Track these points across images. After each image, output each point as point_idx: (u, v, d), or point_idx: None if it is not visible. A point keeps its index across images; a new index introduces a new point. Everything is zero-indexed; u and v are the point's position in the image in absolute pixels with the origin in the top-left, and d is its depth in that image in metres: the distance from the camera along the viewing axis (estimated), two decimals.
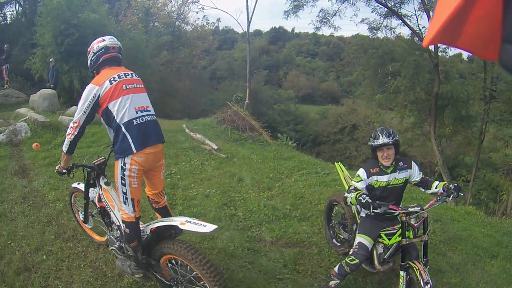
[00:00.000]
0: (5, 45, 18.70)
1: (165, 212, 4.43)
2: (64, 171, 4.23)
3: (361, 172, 4.38)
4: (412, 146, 21.95)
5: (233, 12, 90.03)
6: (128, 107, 3.66)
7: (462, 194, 4.22)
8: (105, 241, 4.98)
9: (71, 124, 3.85)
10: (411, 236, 4.12)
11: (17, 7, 34.55)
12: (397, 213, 4.11)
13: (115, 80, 3.72)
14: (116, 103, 3.64)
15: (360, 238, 4.33)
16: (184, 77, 29.67)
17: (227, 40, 68.98)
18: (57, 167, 4.33)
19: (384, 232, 4.34)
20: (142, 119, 3.74)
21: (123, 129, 3.62)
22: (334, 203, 5.70)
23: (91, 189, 4.66)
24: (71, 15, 17.63)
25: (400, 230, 4.16)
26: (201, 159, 9.66)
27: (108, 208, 4.33)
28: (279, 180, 8.72)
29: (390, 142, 4.14)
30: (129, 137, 3.61)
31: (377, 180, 4.32)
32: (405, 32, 68.45)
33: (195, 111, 25.91)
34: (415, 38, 18.93)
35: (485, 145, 19.33)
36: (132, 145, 3.59)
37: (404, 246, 4.16)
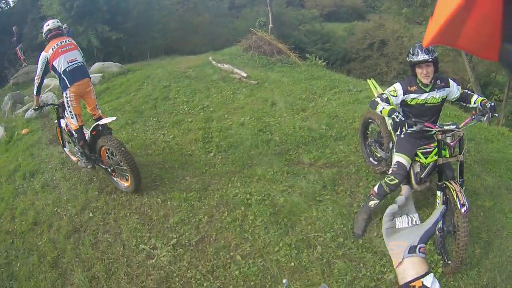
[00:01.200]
0: (13, 28, 18.65)
1: (100, 120, 5.88)
2: (37, 107, 6.26)
3: (398, 86, 4.26)
4: (443, 61, 21.15)
5: None
6: (63, 62, 5.68)
7: (496, 115, 4.15)
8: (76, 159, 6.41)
9: (35, 77, 5.90)
10: (447, 155, 4.04)
11: None
12: (433, 131, 4.04)
13: (55, 48, 5.70)
14: (57, 61, 5.67)
15: (398, 157, 4.26)
16: (202, 11, 29.05)
17: None
18: (33, 107, 6.58)
19: (420, 151, 4.28)
20: (72, 66, 5.74)
21: (62, 74, 5.68)
22: (370, 120, 5.53)
23: (61, 120, 6.33)
24: None
25: (437, 148, 4.06)
26: (232, 89, 9.57)
27: (70, 128, 6.08)
28: (312, 100, 8.56)
29: (430, 59, 3.96)
30: (65, 79, 5.68)
31: (413, 98, 4.22)
32: None
33: (219, 42, 25.20)
34: None
35: None
36: (67, 82, 5.67)
37: (441, 166, 4.09)
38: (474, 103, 4.21)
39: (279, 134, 6.88)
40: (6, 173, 7.52)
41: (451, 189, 3.82)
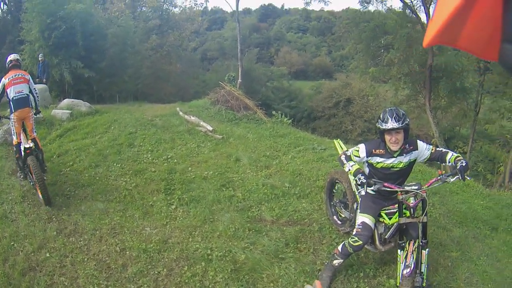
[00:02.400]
0: None
1: (35, 142, 7.14)
2: None
3: (362, 148, 4.31)
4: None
5: None
6: (12, 91, 7.00)
7: (468, 178, 4.16)
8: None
9: None
10: (408, 215, 4.07)
11: (1, 5, 34.17)
12: (394, 191, 4.08)
13: (10, 78, 7.07)
14: (9, 89, 7.01)
15: (362, 218, 4.28)
16: (174, 60, 29.34)
17: (216, 20, 68.37)
18: None
19: (384, 211, 4.33)
20: (18, 97, 7.03)
21: (10, 101, 7.03)
22: (336, 181, 5.65)
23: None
24: (56, 8, 17.37)
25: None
26: (197, 142, 9.64)
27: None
28: (276, 158, 8.72)
29: (400, 127, 3.93)
30: (12, 105, 7.02)
31: (379, 162, 4.23)
32: (396, 4, 67.99)
33: (188, 93, 25.81)
34: (406, 11, 18.61)
35: (480, 116, 19.17)
36: (13, 108, 7.00)
37: (403, 226, 4.14)
38: (449, 162, 4.17)
39: (242, 190, 6.95)
40: None
41: (405, 249, 3.97)
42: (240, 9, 22.91)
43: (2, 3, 32.94)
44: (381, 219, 4.35)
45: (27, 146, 6.82)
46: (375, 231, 4.38)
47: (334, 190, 5.86)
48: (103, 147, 9.16)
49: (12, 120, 7.10)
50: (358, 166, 4.19)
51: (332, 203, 5.85)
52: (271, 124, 12.04)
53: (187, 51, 33.33)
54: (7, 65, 7.41)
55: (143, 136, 9.80)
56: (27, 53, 18.33)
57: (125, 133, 10.04)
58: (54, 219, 6.21)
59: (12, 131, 7.29)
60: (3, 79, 7.13)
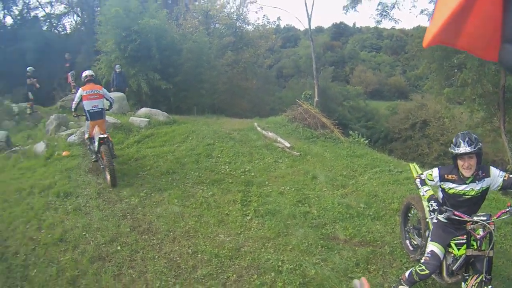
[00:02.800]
0: (65, 54, 19.73)
1: (107, 139, 8.22)
2: (75, 116, 9.26)
3: (435, 172, 4.21)
4: (483, 142, 20.57)
5: (292, 10, 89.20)
6: (88, 105, 8.45)
7: None
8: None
9: (73, 102, 8.88)
10: (475, 247, 3.86)
11: (75, 18, 36.58)
12: (464, 221, 3.88)
13: (88, 93, 8.46)
14: (85, 102, 8.46)
15: (432, 246, 4.13)
16: (250, 76, 29.53)
17: (290, 38, 68.69)
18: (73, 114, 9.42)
19: (454, 241, 4.14)
20: (93, 110, 8.48)
21: (86, 112, 8.51)
22: (411, 206, 5.43)
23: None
24: (130, 22, 18.12)
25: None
26: (274, 157, 9.65)
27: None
28: (352, 177, 8.57)
29: (473, 151, 3.78)
30: (88, 116, 8.52)
31: (451, 188, 4.07)
32: None
33: (264, 110, 25.78)
34: None
35: None
36: (89, 118, 8.53)
37: (471, 258, 3.91)
38: None
39: (317, 207, 6.86)
40: (40, 186, 7.87)
41: (467, 282, 3.76)
42: (312, 27, 22.87)
43: (75, 16, 35.33)
44: (450, 249, 4.16)
45: (101, 136, 8.06)
46: (444, 261, 4.19)
47: (409, 215, 5.63)
48: (181, 155, 9.47)
49: (87, 124, 8.70)
50: (432, 192, 4.15)
51: (406, 228, 5.63)
52: (348, 144, 11.87)
53: (263, 68, 33.56)
54: (83, 79, 8.88)
55: (221, 148, 9.98)
56: (103, 62, 19.32)
57: (203, 144, 10.29)
58: (128, 216, 6.47)
59: (86, 130, 8.97)
60: (80, 89, 8.61)
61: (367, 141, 12.67)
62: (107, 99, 8.80)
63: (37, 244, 5.78)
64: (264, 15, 49.68)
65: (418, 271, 4.02)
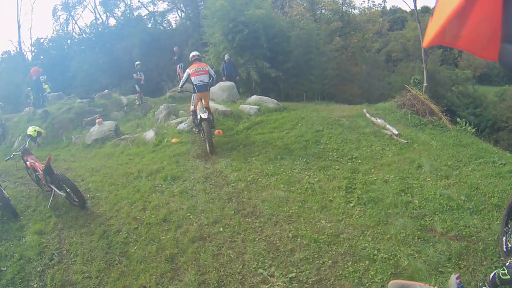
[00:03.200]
0: (174, 48, 20.69)
1: (208, 109, 9.78)
2: (179, 91, 11.24)
3: None
4: None
5: None
6: (196, 79, 9.62)
7: None
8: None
9: (181, 80, 10.44)
10: None
11: (179, 13, 38.61)
12: None
13: (194, 70, 9.64)
14: (193, 78, 9.62)
15: None
16: (359, 61, 29.05)
17: (396, 20, 65.78)
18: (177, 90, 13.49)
19: None
20: (200, 84, 9.65)
21: (194, 86, 9.72)
22: None
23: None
24: (236, 13, 18.70)
25: None
26: (381, 144, 9.50)
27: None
28: (456, 168, 8.10)
29: None
30: (195, 88, 9.71)
31: None
32: None
33: (374, 95, 25.16)
34: None
35: None
36: (196, 90, 9.72)
37: None
38: None
39: (419, 197, 6.65)
40: (148, 171, 8.48)
41: None
42: (418, 7, 21.84)
43: (179, 11, 37.24)
44: None
45: (203, 116, 9.31)
46: None
47: None
48: (289, 142, 9.62)
49: (194, 97, 9.99)
50: None
51: (506, 228, 5.27)
52: (455, 132, 11.20)
53: (371, 52, 32.66)
54: (190, 59, 10.18)
55: (330, 135, 9.99)
56: (212, 53, 20.39)
57: (312, 131, 10.37)
58: (234, 200, 6.74)
59: (192, 102, 10.14)
60: (188, 69, 9.86)
61: (474, 129, 11.96)
62: (211, 75, 9.92)
63: (140, 224, 6.27)
64: None
65: (500, 274, 3.78)
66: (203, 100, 9.94)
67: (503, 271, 3.77)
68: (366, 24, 29.63)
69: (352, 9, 30.28)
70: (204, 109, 9.76)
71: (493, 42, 1.06)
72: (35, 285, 5.33)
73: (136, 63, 18.69)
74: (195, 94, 9.93)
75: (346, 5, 29.49)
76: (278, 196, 6.72)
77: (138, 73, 18.27)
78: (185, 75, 9.96)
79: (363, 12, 30.69)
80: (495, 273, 3.92)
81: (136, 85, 18.54)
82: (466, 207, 6.28)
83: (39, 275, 5.50)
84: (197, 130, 10.51)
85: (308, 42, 21.04)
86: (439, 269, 4.79)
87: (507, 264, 3.87)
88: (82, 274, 5.34)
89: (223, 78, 17.01)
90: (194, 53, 10.37)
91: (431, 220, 5.94)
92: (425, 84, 17.14)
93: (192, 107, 10.22)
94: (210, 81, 10.03)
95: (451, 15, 1.00)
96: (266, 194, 6.85)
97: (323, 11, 29.23)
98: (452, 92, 31.50)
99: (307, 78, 20.70)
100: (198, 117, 9.59)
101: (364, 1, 68.37)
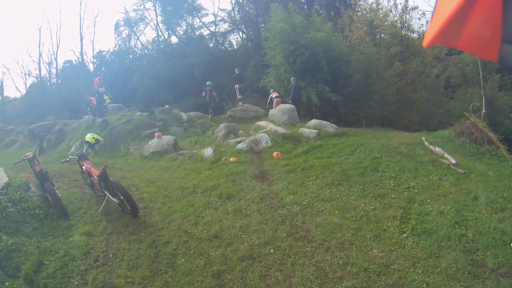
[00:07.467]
0: (236, 69, 21.70)
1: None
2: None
3: None
4: None
5: None
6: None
7: None
8: None
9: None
10: None
11: (241, 34, 39.53)
12: None
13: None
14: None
15: None
16: (419, 87, 28.29)
17: None
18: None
19: None
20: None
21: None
22: None
23: None
24: (297, 36, 18.74)
25: None
26: (439, 174, 9.27)
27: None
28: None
29: None
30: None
31: None
32: None
33: (433, 122, 24.72)
34: None
35: None
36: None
37: None
38: None
39: (473, 231, 6.51)
40: (204, 187, 8.75)
41: None
42: None
43: (240, 33, 38.24)
44: None
45: None
46: None
47: None
48: (347, 168, 9.56)
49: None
50: None
51: None
52: None
53: (430, 77, 31.94)
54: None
55: (388, 162, 9.87)
56: (273, 75, 20.46)
57: (370, 157, 10.28)
58: (287, 223, 6.84)
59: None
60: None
61: None
62: None
63: (191, 237, 6.49)
64: (427, 22, 46.69)
65: None
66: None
67: None
68: (425, 48, 29.07)
69: (411, 33, 29.82)
70: None
71: (493, 42, 1.08)
72: (75, 282, 5.62)
73: (207, 83, 20.40)
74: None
75: (405, 29, 29.09)
76: (332, 222, 6.76)
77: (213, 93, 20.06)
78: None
79: (422, 36, 30.15)
80: None
81: (212, 102, 20.10)
82: None
83: (82, 273, 5.80)
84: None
85: (368, 67, 20.76)
86: None
87: None
88: (126, 278, 5.61)
89: (290, 101, 17.31)
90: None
91: (483, 255, 5.84)
92: (483, 111, 16.76)
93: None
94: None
95: (451, 15, 1.03)
96: (320, 219, 6.91)
97: (382, 35, 28.98)
98: (510, 120, 30.25)
99: (367, 103, 20.38)
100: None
101: (422, 25, 67.27)
